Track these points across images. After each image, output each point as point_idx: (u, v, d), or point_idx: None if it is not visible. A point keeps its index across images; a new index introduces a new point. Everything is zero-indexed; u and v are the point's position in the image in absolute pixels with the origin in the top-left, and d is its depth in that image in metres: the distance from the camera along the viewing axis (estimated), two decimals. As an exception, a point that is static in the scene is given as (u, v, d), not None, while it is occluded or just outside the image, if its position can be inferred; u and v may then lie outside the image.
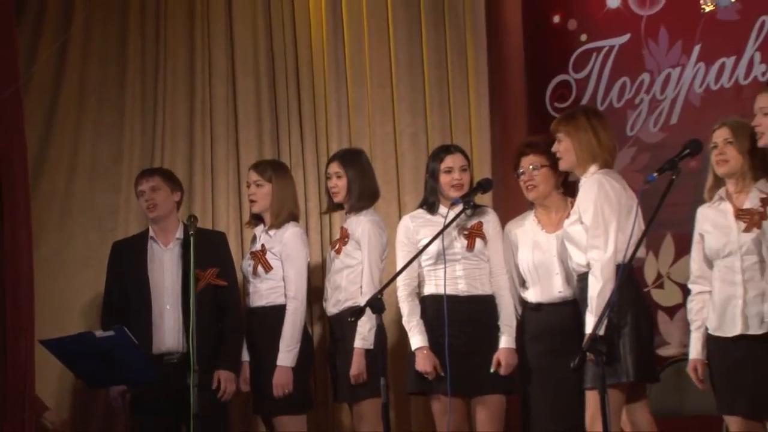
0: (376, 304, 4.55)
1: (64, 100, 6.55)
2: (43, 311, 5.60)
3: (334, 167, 5.41)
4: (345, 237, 5.35)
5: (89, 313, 6.07)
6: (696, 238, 4.58)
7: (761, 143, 4.33)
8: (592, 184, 4.64)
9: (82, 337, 4.99)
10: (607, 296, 4.30)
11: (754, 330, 4.35)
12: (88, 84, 6.59)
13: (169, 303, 5.32)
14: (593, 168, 4.68)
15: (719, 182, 4.51)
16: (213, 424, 5.06)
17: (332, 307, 5.37)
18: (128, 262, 5.43)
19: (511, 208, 5.43)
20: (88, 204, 6.46)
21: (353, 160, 5.42)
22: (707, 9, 5.64)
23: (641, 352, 4.53)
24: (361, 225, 5.30)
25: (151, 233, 5.46)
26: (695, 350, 4.55)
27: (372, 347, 5.11)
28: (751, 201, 4.43)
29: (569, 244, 4.73)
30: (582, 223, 4.64)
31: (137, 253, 5.41)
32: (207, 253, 5.18)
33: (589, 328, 4.41)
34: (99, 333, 4.92)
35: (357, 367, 5.15)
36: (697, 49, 5.65)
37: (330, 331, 5.57)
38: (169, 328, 5.29)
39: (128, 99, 6.60)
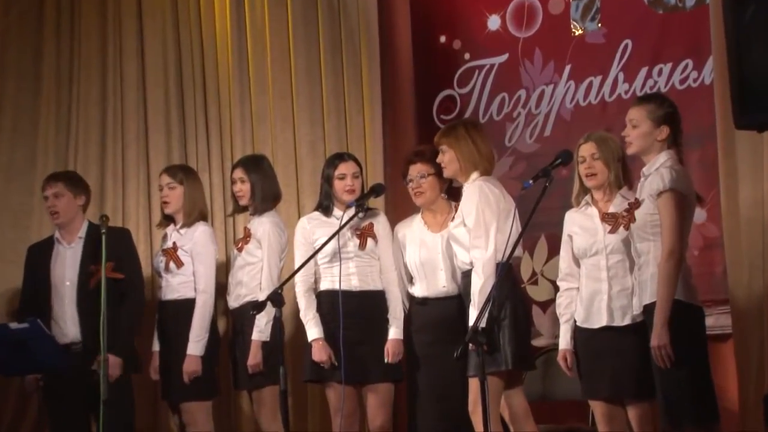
0: (276, 298, 4.53)
1: (-20, 108, 6.39)
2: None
3: (238, 173, 5.35)
4: (247, 236, 5.30)
5: (2, 305, 6.00)
6: (565, 238, 4.59)
7: (629, 152, 4.35)
8: (474, 190, 4.65)
9: (-4, 329, 4.93)
10: (488, 291, 4.26)
11: (618, 322, 4.38)
12: (4, 93, 6.52)
13: (68, 297, 5.22)
14: (475, 175, 4.70)
15: (585, 189, 4.53)
16: (118, 410, 4.94)
17: (233, 301, 5.32)
18: (37, 263, 5.35)
19: (400, 210, 5.44)
20: (4, 204, 6.39)
21: (256, 165, 5.36)
22: (577, 33, 5.66)
23: (519, 342, 4.56)
24: (262, 226, 5.24)
25: (56, 235, 5.38)
26: (564, 341, 4.55)
27: (268, 339, 5.09)
28: (615, 206, 4.45)
29: (455, 244, 4.75)
30: (465, 225, 4.65)
31: (44, 255, 5.34)
32: (106, 248, 5.01)
33: (472, 321, 4.39)
34: (14, 325, 4.83)
35: (254, 357, 5.10)
36: (568, 68, 5.66)
37: (231, 324, 5.50)
38: (69, 320, 5.21)
39: (43, 107, 6.54)
